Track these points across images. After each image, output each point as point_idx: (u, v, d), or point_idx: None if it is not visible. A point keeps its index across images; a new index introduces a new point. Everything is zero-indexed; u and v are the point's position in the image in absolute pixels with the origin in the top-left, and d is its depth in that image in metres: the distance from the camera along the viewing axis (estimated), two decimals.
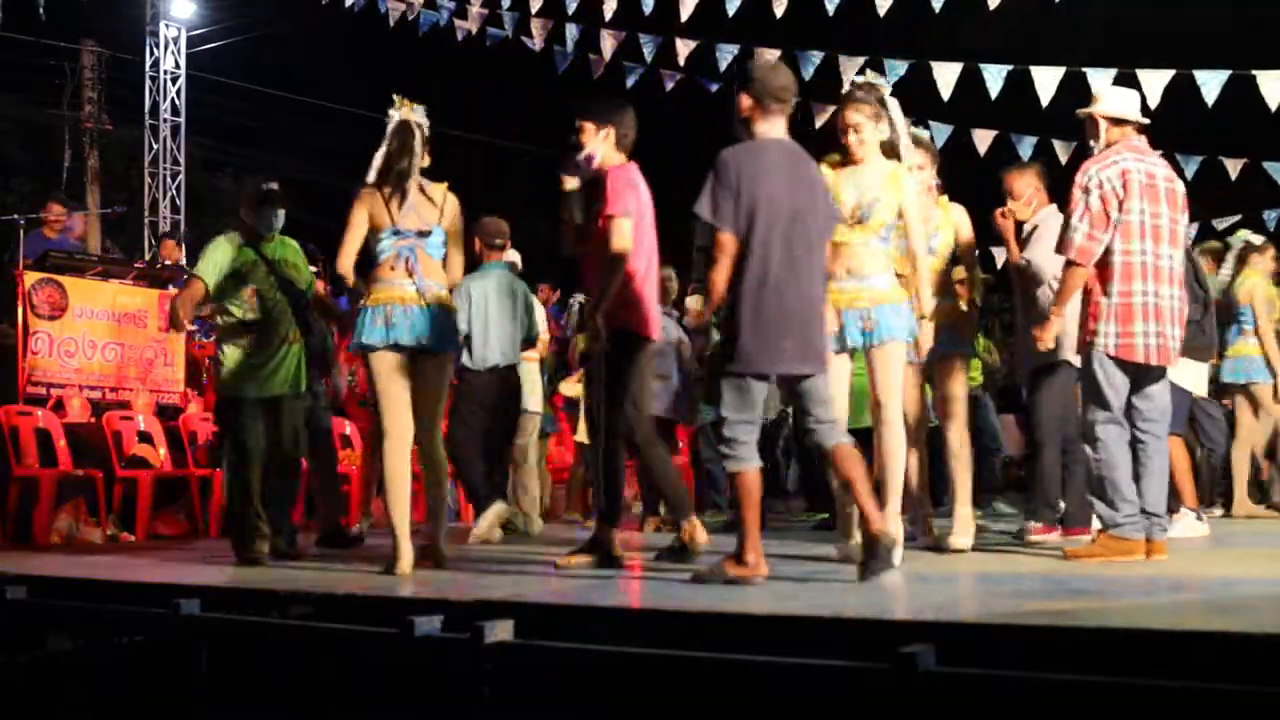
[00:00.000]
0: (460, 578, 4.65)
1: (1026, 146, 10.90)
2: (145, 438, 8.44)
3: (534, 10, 11.12)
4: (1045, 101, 9.56)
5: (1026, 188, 5.84)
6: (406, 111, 5.12)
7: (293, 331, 5.78)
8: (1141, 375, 4.81)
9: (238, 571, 5.32)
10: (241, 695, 4.05)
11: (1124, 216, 4.72)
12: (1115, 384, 4.75)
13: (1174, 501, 6.24)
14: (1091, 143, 4.99)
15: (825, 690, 2.91)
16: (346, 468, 8.22)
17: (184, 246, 12.01)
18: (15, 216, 9.51)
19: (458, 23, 11.64)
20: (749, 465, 4.20)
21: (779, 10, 9.83)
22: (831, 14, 9.70)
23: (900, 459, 4.80)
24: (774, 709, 3.02)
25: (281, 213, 5.84)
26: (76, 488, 7.92)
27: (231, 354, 5.66)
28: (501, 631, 3.33)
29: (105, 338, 9.11)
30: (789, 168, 4.28)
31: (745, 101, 4.37)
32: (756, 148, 4.30)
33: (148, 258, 14.54)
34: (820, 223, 4.34)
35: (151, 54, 17.99)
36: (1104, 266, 4.76)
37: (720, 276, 4.18)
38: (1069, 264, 4.81)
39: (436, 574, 4.82)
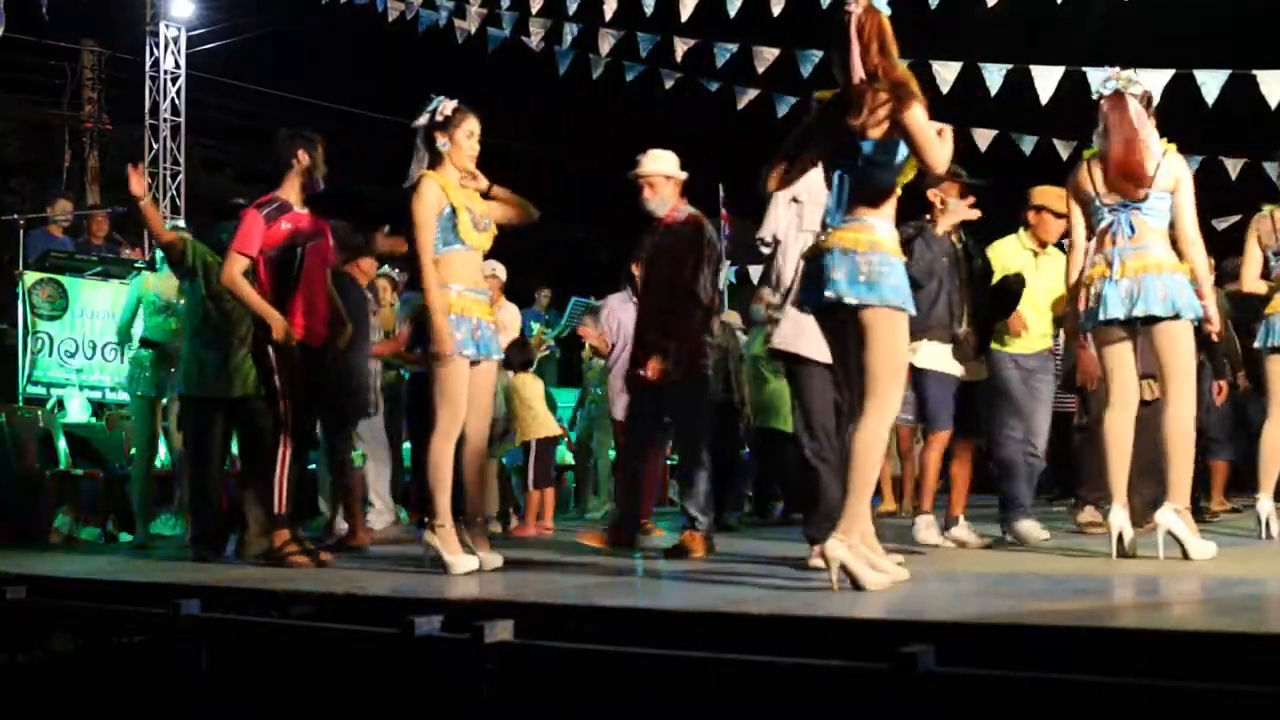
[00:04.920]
0: (460, 578, 4.64)
1: (1026, 145, 10.90)
2: None
3: (534, 10, 11.10)
4: (1045, 100, 9.56)
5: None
6: None
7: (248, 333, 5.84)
8: None
9: (238, 571, 5.31)
10: (241, 695, 4.05)
11: None
12: None
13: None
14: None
15: (825, 690, 2.91)
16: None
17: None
18: (15, 216, 9.51)
19: (457, 23, 11.62)
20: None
21: (776, 9, 9.80)
22: (827, 8, 9.68)
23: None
24: (774, 709, 3.02)
25: None
26: (76, 487, 7.93)
27: (195, 354, 5.83)
28: (501, 631, 3.33)
29: (105, 338, 9.10)
30: None
31: None
32: None
33: (147, 258, 14.55)
34: None
35: (151, 54, 17.96)
36: None
37: None
38: None
39: (436, 574, 4.82)
